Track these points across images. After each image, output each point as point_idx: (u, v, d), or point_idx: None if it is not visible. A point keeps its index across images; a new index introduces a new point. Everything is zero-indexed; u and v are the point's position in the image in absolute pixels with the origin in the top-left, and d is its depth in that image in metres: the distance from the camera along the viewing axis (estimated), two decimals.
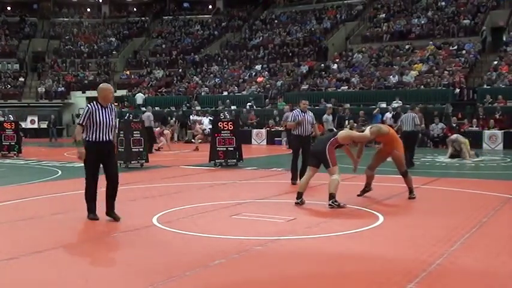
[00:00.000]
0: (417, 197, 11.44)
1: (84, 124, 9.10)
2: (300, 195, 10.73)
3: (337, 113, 28.70)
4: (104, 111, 9.18)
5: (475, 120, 27.17)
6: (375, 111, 28.67)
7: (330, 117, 25.28)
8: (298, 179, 13.74)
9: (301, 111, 13.90)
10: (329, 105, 29.46)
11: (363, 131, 11.43)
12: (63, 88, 46.44)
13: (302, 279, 6.22)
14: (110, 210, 9.28)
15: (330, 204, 10.35)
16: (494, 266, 6.59)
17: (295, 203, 10.66)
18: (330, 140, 10.67)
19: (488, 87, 30.35)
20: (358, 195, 11.48)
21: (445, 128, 26.01)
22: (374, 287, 5.95)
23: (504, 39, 36.31)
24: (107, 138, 9.18)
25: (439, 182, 14.17)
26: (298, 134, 13.86)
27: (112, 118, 9.28)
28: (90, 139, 9.10)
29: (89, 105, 9.26)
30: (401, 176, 11.66)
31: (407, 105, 29.21)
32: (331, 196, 10.41)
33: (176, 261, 6.80)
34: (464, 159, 20.19)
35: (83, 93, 46.14)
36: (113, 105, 9.52)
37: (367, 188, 11.61)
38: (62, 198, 12.05)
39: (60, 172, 17.13)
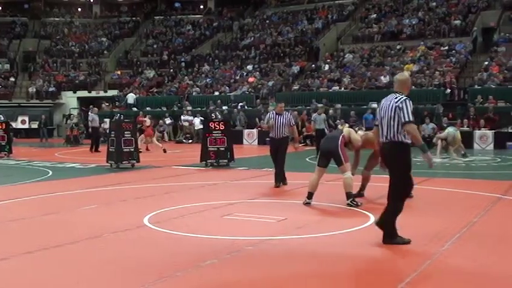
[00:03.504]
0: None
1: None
2: (310, 195, 10.73)
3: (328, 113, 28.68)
4: None
5: (465, 120, 27.24)
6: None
7: (320, 117, 24.91)
8: (284, 182, 13.65)
9: (276, 114, 13.64)
10: (320, 105, 29.41)
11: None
12: (54, 88, 46.28)
13: (293, 279, 6.23)
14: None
15: (348, 204, 10.45)
16: (485, 265, 6.61)
17: (305, 203, 10.65)
18: (339, 137, 10.71)
19: (479, 87, 30.44)
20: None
21: (435, 128, 26.04)
22: (365, 287, 5.96)
23: (495, 39, 36.41)
24: None
25: (429, 182, 14.18)
26: (272, 136, 13.71)
27: None
28: (406, 140, 7.64)
29: (406, 97, 7.52)
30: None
31: None
32: (349, 195, 10.53)
33: (167, 262, 6.79)
34: (455, 156, 20.30)
35: (74, 93, 46.09)
36: None
37: (361, 191, 11.60)
38: (53, 199, 12.02)
39: (51, 172, 17.08)
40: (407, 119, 7.30)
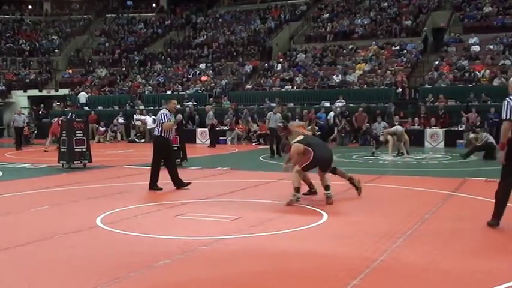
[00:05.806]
0: (360, 195, 11.56)
1: None
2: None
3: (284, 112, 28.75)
4: None
5: (416, 119, 27.62)
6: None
7: (275, 116, 24.08)
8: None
9: (171, 113, 13.18)
10: (273, 104, 29.42)
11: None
12: (3, 87, 45.46)
13: (247, 277, 6.23)
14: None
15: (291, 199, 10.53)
16: (436, 261, 6.70)
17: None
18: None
19: (430, 86, 30.85)
20: (304, 194, 11.43)
21: (387, 126, 26.32)
22: (318, 284, 5.99)
23: (445, 39, 36.98)
24: None
25: (381, 180, 14.34)
26: (167, 136, 13.19)
27: None
28: None
29: None
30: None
31: (351, 105, 29.71)
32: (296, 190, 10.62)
33: (120, 262, 6.73)
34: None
35: (24, 92, 45.34)
36: None
37: (312, 190, 11.64)
38: (3, 200, 11.80)
39: (1, 173, 16.78)
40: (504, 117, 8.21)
